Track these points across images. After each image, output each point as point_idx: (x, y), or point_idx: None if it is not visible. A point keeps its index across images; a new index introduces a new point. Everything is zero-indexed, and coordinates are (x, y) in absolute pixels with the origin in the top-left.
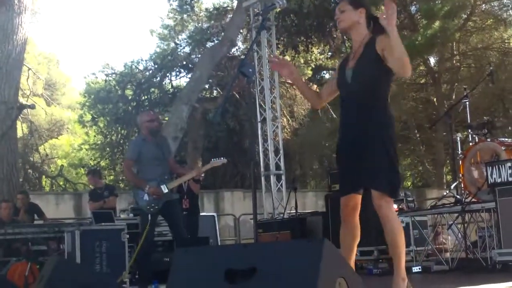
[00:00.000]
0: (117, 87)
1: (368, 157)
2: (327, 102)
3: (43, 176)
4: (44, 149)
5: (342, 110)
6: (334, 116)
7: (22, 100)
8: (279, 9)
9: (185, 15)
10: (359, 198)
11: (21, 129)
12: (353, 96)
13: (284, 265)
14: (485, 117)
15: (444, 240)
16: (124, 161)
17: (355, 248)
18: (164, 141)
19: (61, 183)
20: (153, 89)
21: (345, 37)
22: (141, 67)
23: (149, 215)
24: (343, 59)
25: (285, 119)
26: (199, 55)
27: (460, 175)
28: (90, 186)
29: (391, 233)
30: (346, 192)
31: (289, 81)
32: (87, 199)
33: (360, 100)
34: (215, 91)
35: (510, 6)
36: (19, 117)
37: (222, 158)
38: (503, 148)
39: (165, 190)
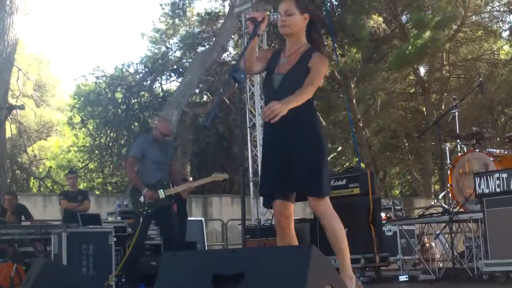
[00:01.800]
0: (107, 90)
1: (294, 162)
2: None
3: (31, 178)
4: (33, 150)
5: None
6: (324, 123)
7: (11, 100)
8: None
9: (176, 19)
10: (292, 207)
11: (9, 129)
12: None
13: (271, 271)
14: (474, 128)
15: (435, 250)
16: (128, 157)
17: None
18: (169, 146)
19: (49, 184)
20: (143, 93)
21: (335, 44)
22: (131, 70)
23: (141, 218)
24: (273, 54)
25: None
26: (190, 60)
27: (448, 185)
28: (66, 187)
29: (330, 229)
30: (277, 197)
31: None
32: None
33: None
34: (205, 96)
35: (500, 18)
36: (8, 117)
37: (224, 173)
38: (491, 159)
39: (162, 196)
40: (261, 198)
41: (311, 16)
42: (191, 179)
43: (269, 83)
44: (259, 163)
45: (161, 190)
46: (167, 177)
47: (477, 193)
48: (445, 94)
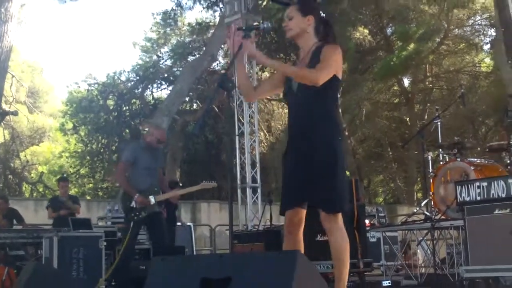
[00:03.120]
0: (99, 97)
1: (312, 173)
2: (260, 98)
3: (24, 182)
4: (25, 156)
5: (289, 119)
6: None
7: (5, 106)
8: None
9: (168, 29)
10: (303, 212)
11: (2, 135)
12: (299, 106)
13: (258, 276)
14: (455, 138)
15: (417, 256)
16: (119, 163)
17: None
18: (159, 153)
19: (40, 189)
20: (134, 100)
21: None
22: (123, 78)
23: (132, 223)
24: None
25: (262, 134)
26: (181, 68)
27: (431, 193)
28: (57, 192)
29: (334, 245)
30: (290, 206)
31: (268, 97)
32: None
33: (306, 110)
34: (195, 104)
35: (482, 31)
36: (1, 123)
37: (213, 181)
38: (472, 168)
39: (153, 202)
40: (249, 205)
41: (319, 17)
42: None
43: (290, 89)
44: (247, 170)
45: (152, 196)
46: (157, 183)
47: (458, 201)
48: (428, 104)
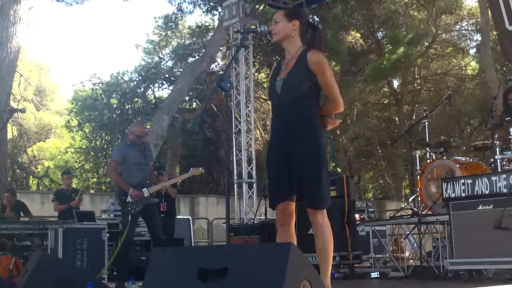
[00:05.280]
0: (103, 96)
1: (299, 170)
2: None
3: (30, 176)
4: (32, 151)
5: (272, 119)
6: None
7: (13, 104)
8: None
9: (169, 32)
10: (293, 205)
11: (11, 131)
12: (283, 107)
13: (253, 266)
14: (442, 137)
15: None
16: (110, 162)
17: None
18: (147, 147)
19: (46, 183)
20: (136, 99)
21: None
22: (126, 78)
23: (130, 216)
24: (274, 69)
25: (258, 132)
26: (181, 69)
27: (418, 189)
28: (62, 185)
29: (321, 239)
30: (280, 199)
31: (264, 97)
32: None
33: (289, 111)
34: (194, 103)
35: (468, 36)
36: (10, 120)
37: (200, 168)
38: (457, 165)
39: (146, 194)
40: (245, 199)
41: (305, 22)
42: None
43: (273, 90)
44: (244, 166)
45: (145, 189)
46: (148, 177)
47: (444, 197)
48: (416, 105)
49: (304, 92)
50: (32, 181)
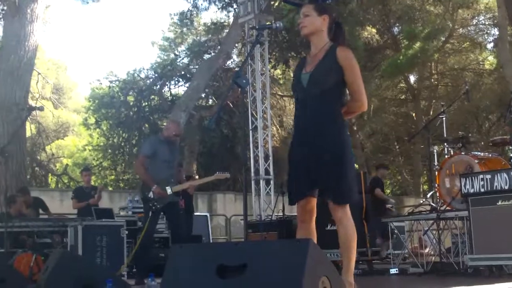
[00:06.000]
0: (120, 93)
1: (322, 165)
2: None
3: (49, 174)
4: (51, 149)
5: (296, 112)
6: None
7: (31, 102)
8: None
9: (184, 29)
10: (314, 201)
11: (29, 129)
12: (308, 100)
13: (272, 263)
14: (460, 132)
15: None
16: (138, 156)
17: None
18: (176, 146)
19: (65, 180)
20: (153, 96)
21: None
22: (142, 75)
23: (150, 212)
24: (298, 63)
25: (274, 128)
26: (197, 66)
27: (436, 185)
28: (81, 183)
29: (343, 236)
30: (302, 195)
31: (280, 93)
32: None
33: (315, 105)
34: (210, 100)
35: (485, 31)
36: (28, 118)
37: (226, 172)
38: (476, 161)
39: (170, 192)
40: (262, 196)
41: (333, 17)
42: (197, 177)
43: (298, 83)
44: (261, 163)
45: (169, 187)
46: (174, 175)
47: (462, 192)
48: (434, 101)
49: (331, 86)
50: (51, 179)
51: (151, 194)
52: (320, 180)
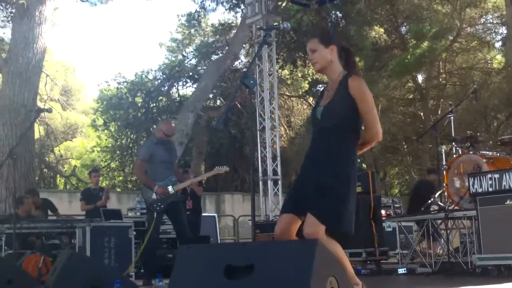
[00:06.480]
0: (128, 95)
1: (318, 194)
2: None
3: (58, 175)
4: (59, 150)
5: (311, 143)
6: None
7: (40, 104)
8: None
9: (192, 30)
10: (297, 224)
11: (38, 131)
12: (321, 133)
13: (280, 263)
14: (468, 132)
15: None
16: (136, 160)
17: None
18: (172, 146)
19: (74, 182)
20: (161, 97)
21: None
22: (150, 76)
23: (155, 213)
24: (319, 95)
25: (282, 128)
26: (205, 67)
27: (444, 184)
28: (90, 184)
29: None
30: (288, 210)
31: (287, 94)
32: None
33: (327, 138)
34: (218, 101)
35: (493, 29)
36: (37, 120)
37: (224, 166)
38: (484, 160)
39: (172, 191)
40: (270, 196)
41: (341, 44)
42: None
43: (314, 115)
44: (269, 163)
45: (171, 186)
46: (174, 174)
47: (471, 192)
48: (442, 100)
49: (343, 119)
50: (60, 180)
51: (153, 195)
52: (309, 203)
